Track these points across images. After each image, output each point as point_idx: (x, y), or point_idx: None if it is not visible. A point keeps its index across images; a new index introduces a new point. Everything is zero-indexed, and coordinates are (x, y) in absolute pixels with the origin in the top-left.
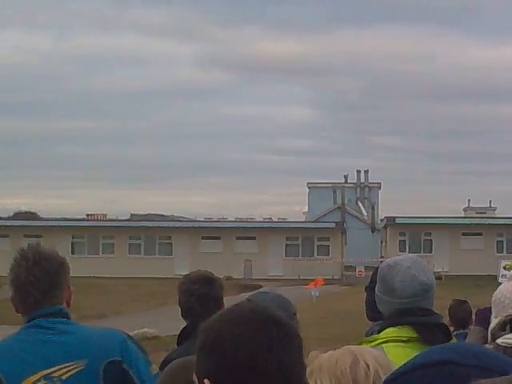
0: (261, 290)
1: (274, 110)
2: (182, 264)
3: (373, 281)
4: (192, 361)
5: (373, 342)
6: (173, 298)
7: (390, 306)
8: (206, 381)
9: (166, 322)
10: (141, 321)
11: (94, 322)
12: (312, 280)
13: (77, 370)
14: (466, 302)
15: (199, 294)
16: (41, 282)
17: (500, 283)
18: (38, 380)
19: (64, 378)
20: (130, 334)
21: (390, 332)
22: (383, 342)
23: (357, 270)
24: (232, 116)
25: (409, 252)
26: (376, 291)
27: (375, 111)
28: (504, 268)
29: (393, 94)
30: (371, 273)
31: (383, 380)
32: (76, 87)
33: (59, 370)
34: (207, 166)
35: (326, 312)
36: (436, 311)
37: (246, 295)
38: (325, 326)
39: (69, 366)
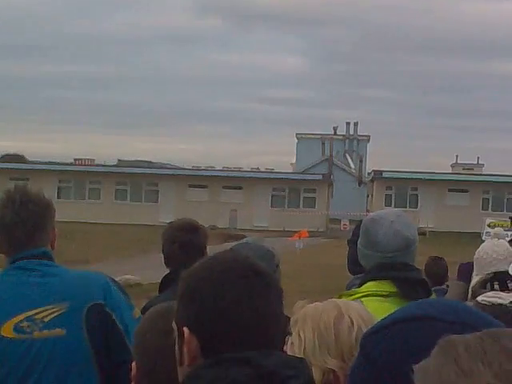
0: (244, 240)
1: (265, 58)
2: (167, 211)
3: (355, 234)
4: (172, 307)
5: (353, 295)
6: (157, 246)
7: (371, 259)
8: (185, 329)
9: (149, 270)
10: (124, 268)
11: (76, 268)
12: (297, 232)
13: (59, 312)
14: (442, 258)
15: (182, 242)
16: (26, 224)
17: (484, 241)
18: (21, 321)
19: (47, 320)
20: None
21: (370, 286)
22: (363, 296)
23: (342, 222)
24: (222, 63)
25: (394, 207)
26: (358, 244)
27: (367, 64)
28: (488, 226)
29: (386, 47)
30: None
31: (363, 333)
32: (67, 31)
33: (42, 311)
34: (196, 114)
35: (309, 264)
36: (417, 267)
37: (229, 245)
38: (307, 279)
39: (52, 308)
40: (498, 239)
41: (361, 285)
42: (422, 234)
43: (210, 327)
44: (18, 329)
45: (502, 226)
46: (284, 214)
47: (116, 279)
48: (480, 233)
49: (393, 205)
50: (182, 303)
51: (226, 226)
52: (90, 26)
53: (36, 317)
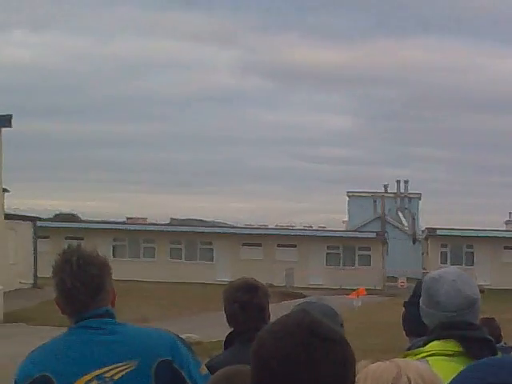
0: (307, 299)
1: (311, 118)
2: (223, 270)
3: (415, 295)
4: (239, 369)
5: (418, 354)
6: (214, 304)
7: (434, 318)
8: None
9: (209, 328)
10: (183, 326)
11: None
12: (354, 290)
13: (129, 369)
14: (493, 319)
15: (242, 302)
16: (86, 287)
17: None
18: (90, 380)
19: (116, 378)
20: None
21: (435, 345)
22: (428, 356)
23: (399, 280)
24: (271, 123)
25: (450, 264)
26: (420, 303)
27: (416, 122)
28: None
29: (433, 104)
30: (413, 284)
31: None
32: (117, 91)
33: (111, 370)
34: (246, 173)
35: (368, 322)
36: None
37: (287, 303)
38: (366, 337)
39: (121, 366)
40: None
41: (425, 344)
42: (481, 291)
43: None
44: None
45: None
46: (339, 272)
47: None
48: None
49: (448, 262)
50: (251, 362)
51: (282, 284)
52: (141, 87)
53: (106, 375)
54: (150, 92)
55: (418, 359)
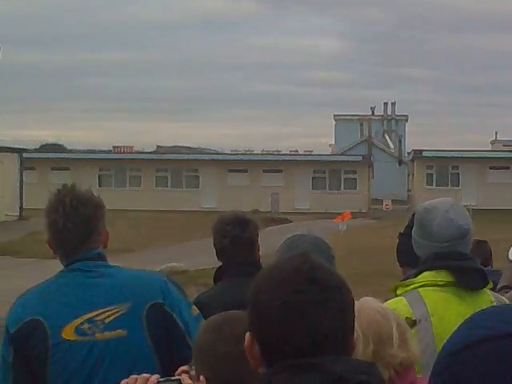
0: (299, 232)
1: (301, 41)
2: (209, 197)
3: (409, 226)
4: (230, 314)
5: (409, 286)
6: (200, 232)
7: (427, 249)
8: (247, 334)
9: (194, 256)
10: (168, 255)
11: (121, 256)
12: (339, 214)
13: (120, 312)
14: (485, 242)
15: (232, 236)
16: (79, 228)
17: None
18: (82, 324)
19: (107, 321)
20: (159, 268)
21: (426, 276)
22: (420, 286)
23: (384, 203)
24: (259, 47)
25: (436, 186)
26: (413, 234)
27: (403, 43)
28: None
29: (421, 25)
30: (398, 206)
31: (440, 356)
32: (103, 19)
33: (102, 313)
34: (233, 98)
35: (354, 246)
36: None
37: (273, 228)
38: (351, 261)
39: (112, 309)
40: None
41: (416, 275)
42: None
43: (264, 335)
44: (79, 331)
45: None
46: (325, 196)
47: (162, 267)
48: None
49: (434, 183)
50: (247, 309)
51: (267, 210)
52: (125, 13)
53: (97, 318)
54: (138, 19)
55: (408, 290)
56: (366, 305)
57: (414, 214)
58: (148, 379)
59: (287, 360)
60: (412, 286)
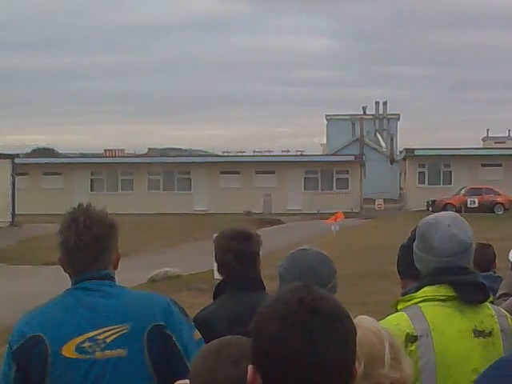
0: (301, 247)
1: (292, 40)
2: (201, 199)
3: (411, 238)
4: (233, 341)
5: (410, 300)
6: (193, 235)
7: (428, 264)
8: (249, 367)
9: (188, 260)
10: (162, 259)
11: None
12: (331, 214)
13: (121, 332)
14: (490, 245)
15: (236, 251)
16: (89, 248)
17: None
18: (83, 342)
19: (108, 340)
20: (152, 273)
21: (427, 291)
22: (421, 301)
23: (376, 202)
24: (250, 47)
25: (428, 184)
26: (414, 248)
27: (394, 41)
28: None
29: (411, 23)
30: (390, 205)
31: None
32: (91, 21)
33: (104, 332)
34: (223, 99)
35: (347, 247)
36: (474, 270)
37: (265, 230)
38: (347, 262)
39: (114, 329)
40: None
41: (417, 290)
42: (458, 211)
43: (267, 368)
44: (79, 349)
45: None
46: (317, 197)
47: (156, 272)
48: None
49: (426, 182)
50: (251, 339)
51: (260, 211)
52: (115, 16)
53: (98, 337)
54: (126, 21)
55: (409, 306)
56: (359, 324)
57: (416, 228)
58: None
59: None
60: (413, 301)
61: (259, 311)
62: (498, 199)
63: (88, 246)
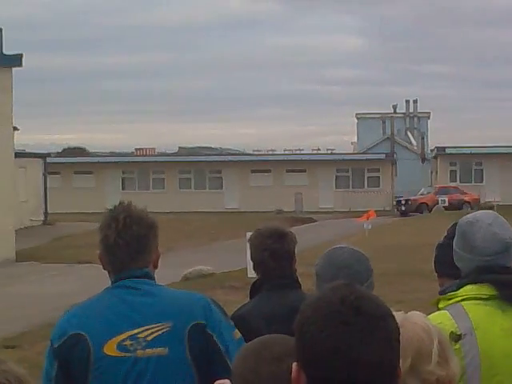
0: (337, 245)
1: (322, 39)
2: (232, 198)
3: (448, 237)
4: (275, 339)
5: (452, 299)
6: (224, 233)
7: (469, 262)
8: (294, 364)
9: (220, 258)
10: (194, 257)
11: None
12: (363, 212)
13: (162, 331)
14: None
15: (273, 249)
16: (129, 246)
17: None
18: (124, 340)
19: (149, 338)
20: (186, 271)
21: (469, 289)
22: (462, 300)
23: None
24: (280, 46)
25: (459, 182)
26: (455, 247)
27: (424, 39)
28: None
29: (442, 21)
30: None
31: None
32: (125, 22)
33: (145, 330)
34: (254, 98)
35: (379, 245)
36: None
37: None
38: (378, 260)
39: (154, 327)
40: None
41: (458, 288)
42: (490, 207)
43: (311, 367)
44: (121, 347)
45: None
46: (349, 195)
47: (189, 270)
48: None
49: (458, 180)
50: (295, 337)
51: (291, 210)
52: (149, 15)
53: (139, 336)
54: (159, 21)
55: (450, 304)
56: (410, 319)
57: (454, 225)
58: None
59: None
60: (454, 300)
61: (302, 310)
62: (465, 198)
63: (128, 244)
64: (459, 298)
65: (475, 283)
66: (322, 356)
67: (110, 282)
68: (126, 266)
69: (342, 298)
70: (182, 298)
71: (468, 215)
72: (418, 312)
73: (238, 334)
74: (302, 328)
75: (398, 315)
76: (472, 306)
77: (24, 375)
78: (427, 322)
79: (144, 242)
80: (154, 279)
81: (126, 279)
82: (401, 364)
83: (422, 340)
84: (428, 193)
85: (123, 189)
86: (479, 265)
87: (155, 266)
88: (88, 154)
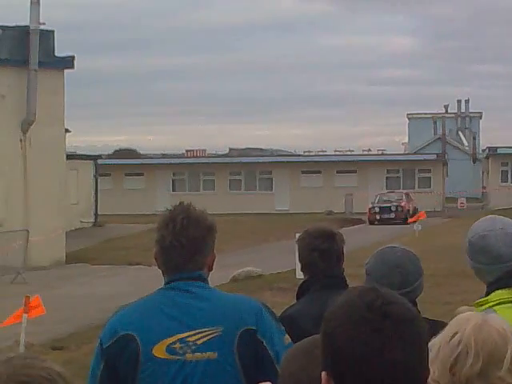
0: (389, 244)
1: (374, 39)
2: (282, 199)
3: None
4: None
5: (484, 304)
6: (274, 235)
7: (497, 272)
8: (323, 373)
9: (269, 260)
10: (243, 258)
11: None
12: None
13: (213, 335)
14: None
15: (322, 249)
16: (184, 248)
17: None
18: (174, 343)
19: (199, 342)
20: (234, 272)
21: (501, 294)
22: (496, 305)
23: (458, 201)
24: (331, 47)
25: (511, 182)
26: (475, 265)
27: (475, 39)
28: None
29: (494, 21)
30: (473, 204)
31: None
32: (174, 23)
33: (195, 334)
34: (305, 99)
35: (429, 246)
36: None
37: (347, 229)
38: (429, 261)
39: (205, 331)
40: None
41: (488, 294)
42: None
43: (340, 374)
44: (170, 350)
45: None
46: None
47: (238, 271)
48: None
49: (509, 181)
50: (322, 345)
51: (341, 211)
52: (196, 18)
53: (189, 339)
54: (208, 23)
55: (483, 309)
56: (489, 322)
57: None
58: None
59: None
60: (487, 305)
61: (328, 318)
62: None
63: (183, 246)
64: (492, 303)
65: (505, 288)
66: (351, 363)
67: (162, 283)
68: (180, 268)
69: (369, 303)
70: (234, 302)
71: (473, 231)
72: (496, 315)
73: (287, 340)
74: (330, 336)
75: (477, 317)
76: (506, 310)
77: (64, 372)
78: (505, 327)
79: (200, 245)
80: (208, 282)
81: (178, 281)
82: (470, 365)
83: (495, 343)
84: None
85: (173, 190)
86: (507, 270)
87: (210, 269)
88: (139, 156)
